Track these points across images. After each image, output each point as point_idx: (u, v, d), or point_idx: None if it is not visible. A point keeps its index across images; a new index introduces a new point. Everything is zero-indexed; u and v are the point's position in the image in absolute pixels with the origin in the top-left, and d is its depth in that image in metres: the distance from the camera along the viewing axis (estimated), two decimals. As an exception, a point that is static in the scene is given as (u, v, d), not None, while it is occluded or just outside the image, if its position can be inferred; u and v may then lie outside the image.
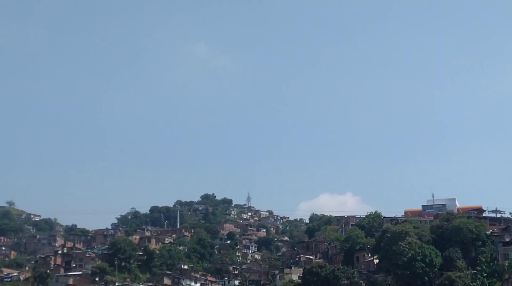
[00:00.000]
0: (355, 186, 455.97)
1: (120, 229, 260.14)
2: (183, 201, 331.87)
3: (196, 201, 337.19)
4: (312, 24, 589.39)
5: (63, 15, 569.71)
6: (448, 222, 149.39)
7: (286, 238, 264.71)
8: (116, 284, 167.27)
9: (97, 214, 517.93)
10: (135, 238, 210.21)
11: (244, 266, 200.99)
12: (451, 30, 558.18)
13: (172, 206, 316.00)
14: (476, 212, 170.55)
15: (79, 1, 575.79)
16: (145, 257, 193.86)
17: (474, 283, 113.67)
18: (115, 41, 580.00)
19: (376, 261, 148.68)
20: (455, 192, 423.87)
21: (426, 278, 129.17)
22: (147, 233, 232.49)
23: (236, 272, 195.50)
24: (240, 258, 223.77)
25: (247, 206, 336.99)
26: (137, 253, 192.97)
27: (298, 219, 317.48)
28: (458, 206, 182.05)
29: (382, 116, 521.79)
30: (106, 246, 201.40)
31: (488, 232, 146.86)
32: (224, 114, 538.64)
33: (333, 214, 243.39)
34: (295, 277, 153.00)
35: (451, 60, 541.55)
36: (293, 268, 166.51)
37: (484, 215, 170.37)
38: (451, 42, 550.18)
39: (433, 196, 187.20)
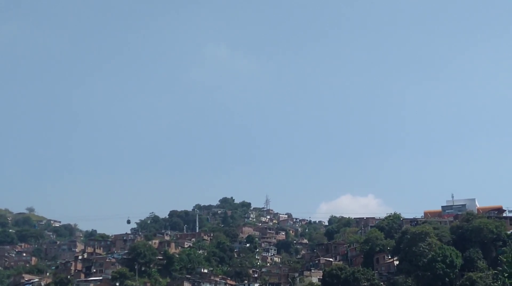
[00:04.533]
0: (376, 188, 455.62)
1: (140, 233, 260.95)
2: (202, 205, 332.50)
3: (215, 205, 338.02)
4: (331, 26, 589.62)
5: (84, 18, 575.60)
6: (468, 223, 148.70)
7: (305, 241, 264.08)
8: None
9: (116, 219, 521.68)
10: (155, 242, 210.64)
11: (263, 269, 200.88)
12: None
13: (191, 210, 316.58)
14: (496, 212, 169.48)
15: (100, 3, 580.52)
16: (165, 261, 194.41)
17: (495, 284, 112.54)
18: (136, 43, 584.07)
19: (396, 262, 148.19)
20: (474, 192, 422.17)
21: (447, 279, 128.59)
22: (167, 238, 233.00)
23: (256, 275, 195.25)
24: (260, 261, 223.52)
25: (265, 209, 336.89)
26: (156, 258, 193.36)
27: (317, 222, 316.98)
28: (478, 206, 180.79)
29: (402, 117, 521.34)
30: (126, 251, 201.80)
31: (509, 232, 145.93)
32: (243, 116, 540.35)
33: (352, 216, 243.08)
34: (315, 280, 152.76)
35: (469, 59, 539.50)
36: (312, 271, 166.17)
37: (504, 215, 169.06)
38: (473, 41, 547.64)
39: (452, 197, 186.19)
